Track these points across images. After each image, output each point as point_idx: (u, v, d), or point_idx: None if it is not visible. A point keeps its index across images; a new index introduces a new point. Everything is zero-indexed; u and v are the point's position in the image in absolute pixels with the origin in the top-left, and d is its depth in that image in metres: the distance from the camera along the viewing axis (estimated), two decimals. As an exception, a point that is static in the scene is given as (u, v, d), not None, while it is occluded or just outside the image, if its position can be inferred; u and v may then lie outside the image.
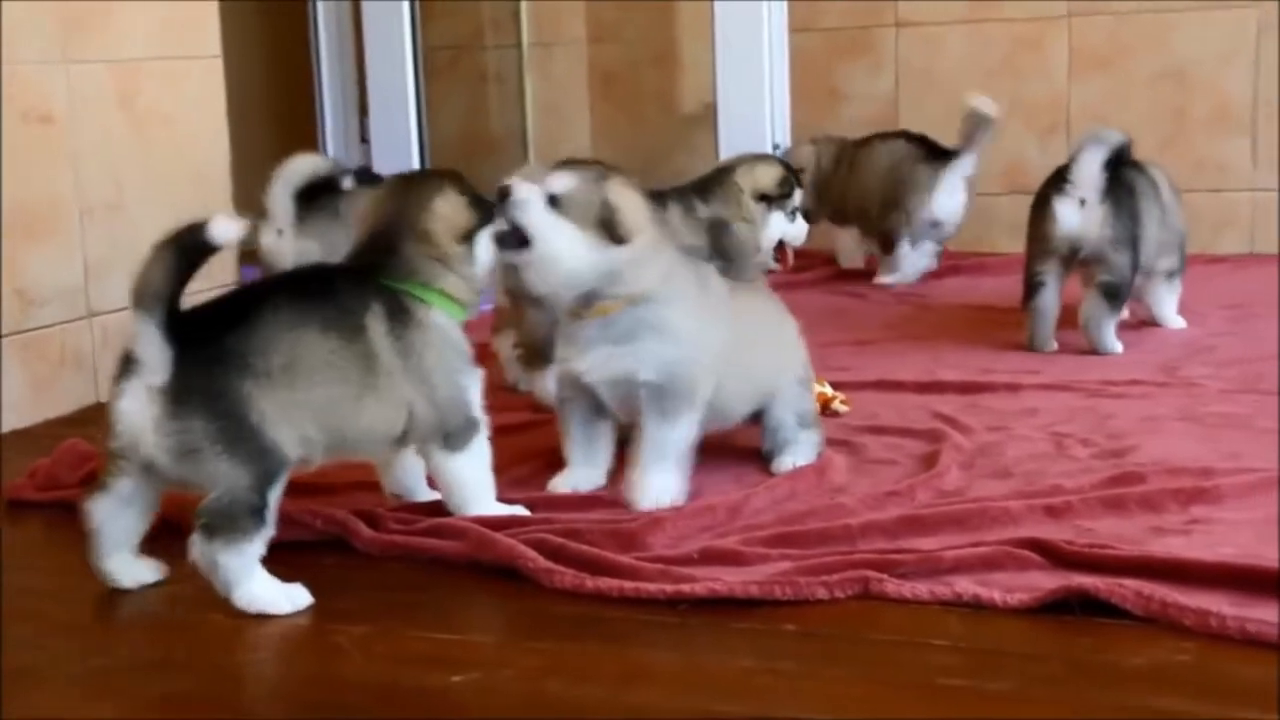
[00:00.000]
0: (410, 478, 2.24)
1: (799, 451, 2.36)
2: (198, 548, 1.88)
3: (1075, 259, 3.10)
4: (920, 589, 1.83)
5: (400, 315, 2.03)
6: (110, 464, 1.93)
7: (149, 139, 3.26)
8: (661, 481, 2.20)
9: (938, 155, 4.00)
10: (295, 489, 2.04)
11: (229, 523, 1.87)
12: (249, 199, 3.54)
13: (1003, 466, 2.32)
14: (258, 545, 1.90)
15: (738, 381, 2.30)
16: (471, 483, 2.14)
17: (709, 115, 4.51)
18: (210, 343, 1.88)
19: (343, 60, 4.93)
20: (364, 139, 4.90)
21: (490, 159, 5.03)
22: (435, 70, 4.89)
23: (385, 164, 4.75)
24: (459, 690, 1.68)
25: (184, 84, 3.37)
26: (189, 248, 1.85)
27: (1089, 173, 3.05)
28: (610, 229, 2.13)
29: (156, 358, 1.84)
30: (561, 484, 2.31)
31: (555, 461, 2.35)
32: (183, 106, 3.37)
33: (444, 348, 2.07)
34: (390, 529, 2.14)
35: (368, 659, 1.78)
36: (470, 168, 4.86)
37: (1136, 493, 2.10)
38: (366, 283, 2.05)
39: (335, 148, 4.97)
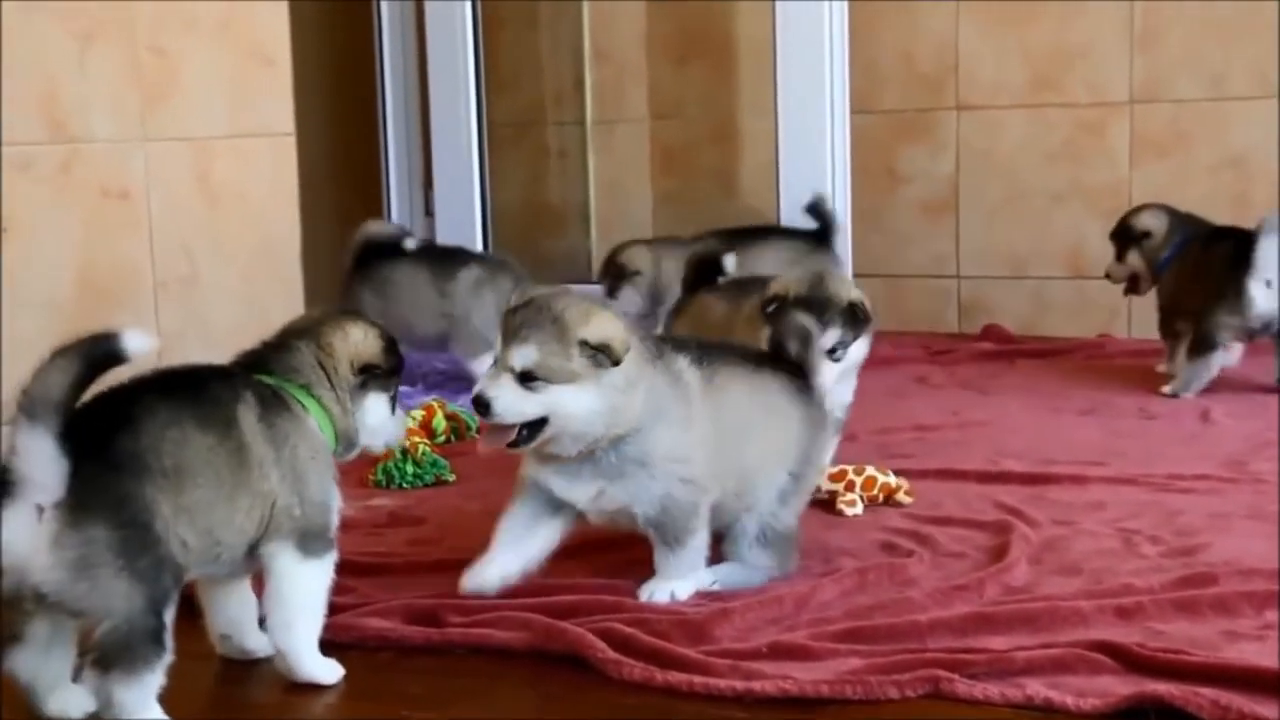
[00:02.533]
0: (245, 615, 2.03)
1: (732, 574, 2.25)
2: (91, 683, 1.72)
3: (1256, 334, 3.51)
4: (991, 690, 1.82)
5: (274, 404, 1.91)
6: (13, 609, 1.75)
7: (222, 214, 3.31)
8: (680, 587, 2.19)
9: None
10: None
11: (127, 653, 1.71)
12: (317, 272, 3.59)
13: (1071, 562, 2.31)
14: (158, 674, 1.74)
15: (729, 475, 2.21)
16: (310, 597, 1.93)
17: (770, 191, 4.54)
18: (103, 447, 1.72)
19: (409, 135, 5.00)
20: (429, 212, 4.95)
21: (552, 233, 5.08)
22: (499, 145, 4.94)
23: (449, 237, 4.82)
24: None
25: (256, 160, 3.43)
26: (98, 358, 1.70)
27: (1272, 255, 3.36)
28: (600, 359, 2.05)
29: (50, 472, 1.67)
30: (471, 581, 2.15)
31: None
32: (255, 182, 3.42)
33: (318, 446, 1.94)
34: (450, 622, 2.14)
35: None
36: (532, 241, 4.95)
37: (1209, 595, 2.09)
38: (239, 376, 1.93)
39: (400, 220, 5.03)
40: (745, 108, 4.98)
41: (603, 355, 2.04)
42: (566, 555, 2.27)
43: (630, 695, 1.91)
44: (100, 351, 1.70)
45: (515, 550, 2.15)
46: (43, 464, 1.67)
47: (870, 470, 2.67)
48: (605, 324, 2.07)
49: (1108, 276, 3.86)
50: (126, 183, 3.08)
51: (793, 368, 2.30)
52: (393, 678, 1.98)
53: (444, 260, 3.96)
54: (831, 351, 2.55)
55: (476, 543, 2.21)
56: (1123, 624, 2.02)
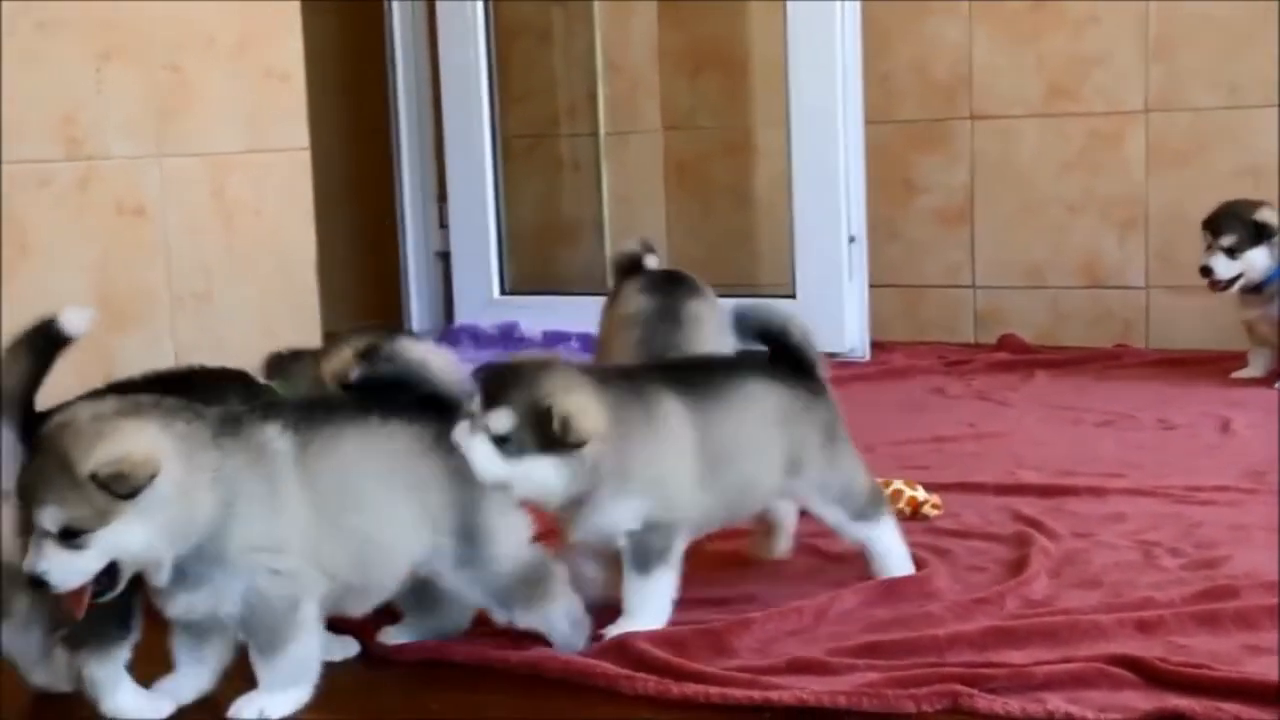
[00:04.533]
0: None
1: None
2: (63, 659, 1.85)
3: None
4: (1011, 705, 1.81)
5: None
6: None
7: (238, 230, 3.32)
8: (274, 704, 1.87)
9: None
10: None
11: (95, 630, 1.81)
12: (331, 286, 3.60)
13: (1091, 575, 2.30)
14: (125, 651, 1.84)
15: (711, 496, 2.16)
16: None
17: (784, 205, 4.53)
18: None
19: (422, 148, 5.00)
20: (443, 224, 4.95)
21: (566, 245, 5.08)
22: (512, 157, 4.95)
23: (463, 250, 4.82)
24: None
25: (272, 176, 3.44)
26: (44, 345, 1.84)
27: None
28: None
29: (9, 460, 1.79)
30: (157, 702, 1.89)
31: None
32: (271, 198, 3.43)
33: None
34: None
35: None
36: (547, 254, 4.95)
37: (1230, 608, 2.07)
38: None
39: (414, 233, 5.03)
40: (758, 119, 4.97)
41: (120, 484, 1.71)
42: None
43: (644, 709, 1.90)
44: (44, 339, 1.84)
45: (198, 663, 1.92)
46: (5, 452, 1.79)
47: (897, 484, 2.66)
48: (113, 446, 1.71)
49: (1207, 273, 3.75)
50: (142, 199, 3.09)
51: (438, 416, 1.98)
52: (408, 688, 1.98)
53: None
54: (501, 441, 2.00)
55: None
56: (1144, 638, 2.01)
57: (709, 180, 5.06)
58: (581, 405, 2.00)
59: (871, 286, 4.32)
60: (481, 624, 2.13)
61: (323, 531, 1.85)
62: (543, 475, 2.01)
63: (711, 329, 2.91)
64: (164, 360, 3.12)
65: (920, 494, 2.66)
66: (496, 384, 2.01)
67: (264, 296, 3.37)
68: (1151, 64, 4.32)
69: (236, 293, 3.29)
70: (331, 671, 1.94)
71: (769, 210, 4.80)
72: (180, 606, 1.81)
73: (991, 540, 2.51)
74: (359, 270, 4.92)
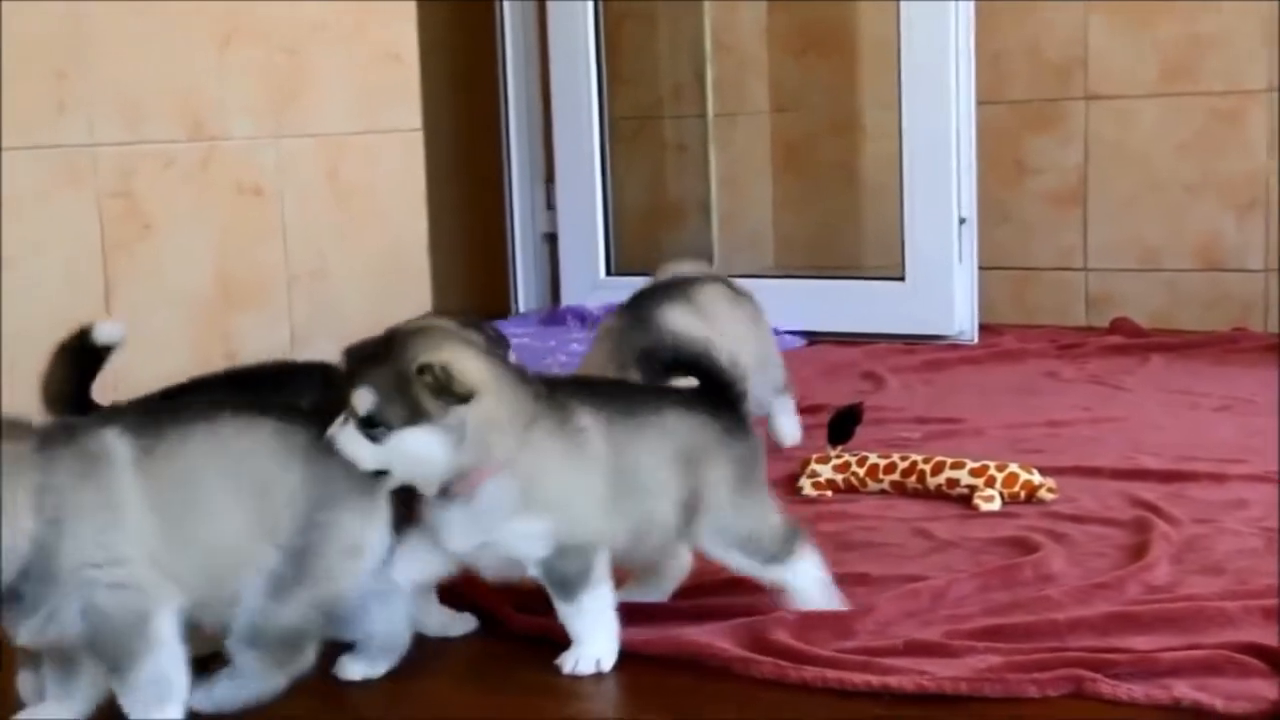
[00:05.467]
0: None
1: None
2: None
3: None
4: (1136, 691, 1.79)
5: None
6: None
7: (351, 210, 3.36)
8: (592, 650, 1.96)
9: None
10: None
11: None
12: (438, 267, 3.63)
13: (1213, 562, 2.26)
14: None
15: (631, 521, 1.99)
16: None
17: (892, 187, 4.50)
18: None
19: (530, 129, 5.03)
20: (550, 206, 4.97)
21: (673, 227, 5.08)
22: (620, 139, 4.95)
23: (570, 231, 4.84)
24: (670, 778, 1.69)
25: (385, 157, 3.47)
26: (78, 352, 1.93)
27: None
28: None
29: None
30: None
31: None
32: (384, 179, 3.46)
33: None
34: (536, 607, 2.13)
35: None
36: (653, 236, 4.95)
37: (1359, 597, 2.03)
38: None
39: (522, 215, 5.06)
40: (868, 100, 4.94)
41: (452, 388, 1.78)
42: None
43: (763, 692, 1.90)
44: (78, 347, 1.93)
45: (63, 701, 1.82)
46: None
47: (1013, 467, 2.64)
48: (464, 359, 1.81)
49: None
50: (260, 179, 3.13)
51: (306, 421, 1.86)
52: (510, 663, 2.01)
53: None
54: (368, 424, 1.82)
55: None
56: (1270, 626, 1.97)
57: (817, 162, 5.03)
58: (459, 360, 1.81)
59: (981, 269, 4.28)
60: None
61: (169, 541, 1.74)
62: (419, 448, 1.81)
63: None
64: (280, 339, 3.17)
65: (1036, 478, 2.63)
66: (356, 362, 1.85)
67: (377, 277, 3.40)
68: (1275, 44, 4.22)
69: (350, 273, 3.33)
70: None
71: (877, 192, 4.77)
72: (25, 633, 1.71)
73: (1110, 525, 2.47)
74: (466, 252, 4.96)
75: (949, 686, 1.83)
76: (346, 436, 1.81)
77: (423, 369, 1.78)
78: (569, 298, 4.82)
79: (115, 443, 1.74)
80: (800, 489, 2.74)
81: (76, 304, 2.79)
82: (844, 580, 2.23)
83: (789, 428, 3.09)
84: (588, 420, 1.94)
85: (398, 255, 3.49)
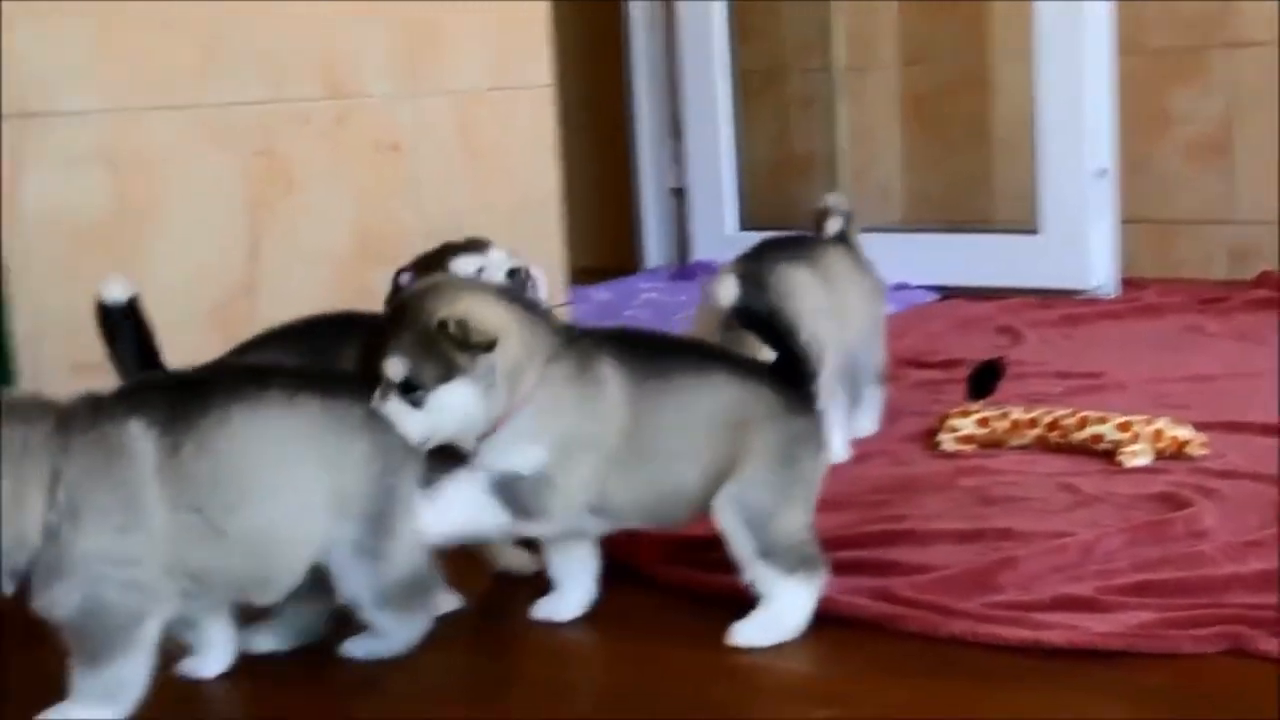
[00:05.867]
0: None
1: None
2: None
3: None
4: (1297, 648, 1.75)
5: None
6: None
7: (484, 167, 3.37)
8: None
9: None
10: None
11: None
12: (569, 224, 3.63)
13: (1371, 519, 2.21)
14: None
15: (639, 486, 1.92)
16: None
17: (1025, 140, 4.42)
18: None
19: (658, 84, 5.02)
20: (677, 162, 4.96)
21: (801, 182, 5.04)
22: (747, 93, 4.92)
23: (699, 186, 4.82)
24: (822, 728, 1.69)
25: (517, 113, 3.47)
26: (111, 322, 1.99)
27: None
28: (471, 345, 1.79)
29: None
30: None
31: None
32: (515, 135, 3.47)
33: None
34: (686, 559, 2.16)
35: (726, 687, 1.81)
36: (781, 191, 4.91)
37: None
38: None
39: (650, 170, 5.05)
40: (999, 52, 4.85)
41: (469, 338, 1.80)
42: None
43: (911, 641, 1.89)
44: (104, 319, 1.99)
45: None
46: None
47: (1160, 423, 2.58)
48: (478, 307, 1.82)
49: None
50: (396, 136, 3.16)
51: (351, 391, 1.83)
52: (657, 611, 2.04)
53: None
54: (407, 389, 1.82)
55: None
56: None
57: (947, 115, 4.96)
58: (474, 309, 1.80)
59: (1122, 222, 4.19)
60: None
61: (200, 541, 1.73)
62: (458, 402, 1.81)
63: (811, 303, 2.60)
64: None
65: (1184, 433, 2.58)
66: (381, 332, 1.84)
67: (509, 232, 3.39)
68: None
69: (484, 229, 3.30)
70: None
71: (1008, 146, 4.68)
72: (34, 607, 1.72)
73: (1261, 481, 2.41)
74: (594, 207, 4.96)
75: (1103, 642, 1.81)
76: (394, 409, 1.81)
77: (443, 324, 1.78)
78: (698, 253, 4.81)
79: (140, 439, 1.71)
80: (939, 444, 2.72)
81: (222, 262, 2.84)
82: (987, 535, 2.21)
83: (867, 419, 2.85)
84: (609, 373, 1.89)
85: (530, 211, 3.50)
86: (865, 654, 1.88)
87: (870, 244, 4.55)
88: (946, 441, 2.71)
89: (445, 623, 1.99)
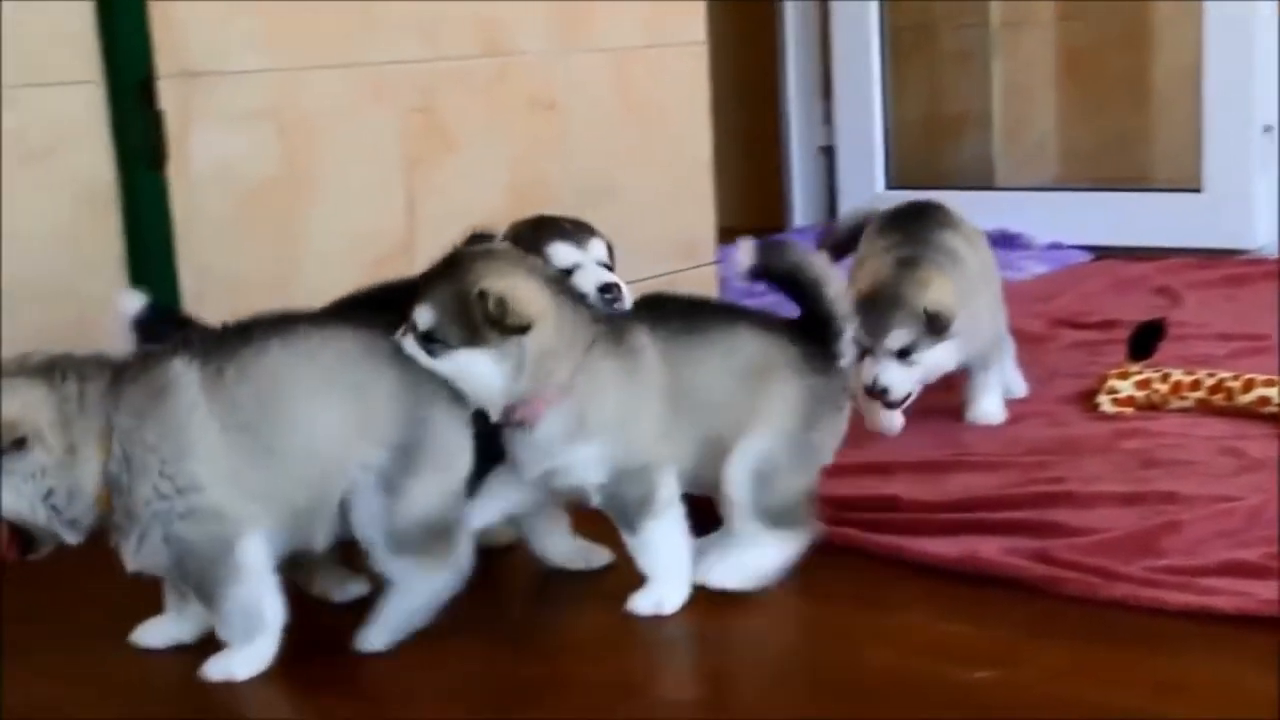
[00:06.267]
0: None
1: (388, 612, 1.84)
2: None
3: None
4: None
5: None
6: None
7: (638, 125, 3.38)
8: (657, 590, 1.93)
9: None
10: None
11: None
12: (717, 182, 3.63)
13: None
14: None
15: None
16: None
17: (1187, 96, 4.30)
18: None
19: (808, 42, 4.98)
20: (826, 121, 4.92)
21: (953, 139, 4.98)
22: (898, 51, 4.86)
23: (848, 144, 4.79)
24: (982, 687, 1.67)
25: (671, 71, 3.47)
26: (150, 328, 1.97)
27: None
28: (504, 325, 1.78)
29: None
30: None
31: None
32: (669, 92, 3.47)
33: None
34: (846, 519, 2.15)
35: (885, 646, 1.80)
36: (931, 149, 4.85)
37: None
38: None
39: (798, 130, 5.02)
40: (1157, 8, 4.74)
41: (507, 317, 1.79)
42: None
43: (1072, 604, 1.87)
44: (139, 329, 1.97)
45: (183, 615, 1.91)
46: None
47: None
48: (520, 288, 1.81)
49: None
50: (553, 94, 3.18)
51: (388, 325, 1.84)
52: (814, 572, 2.02)
53: None
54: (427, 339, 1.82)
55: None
56: None
57: (1104, 72, 4.86)
58: (518, 289, 1.80)
59: (1297, 184, 4.07)
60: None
61: (255, 457, 1.75)
62: (475, 369, 1.81)
63: (972, 267, 2.61)
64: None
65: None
66: (425, 279, 1.84)
67: (662, 191, 3.43)
68: None
69: (637, 187, 3.36)
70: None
71: (1168, 102, 4.58)
72: (131, 563, 1.77)
73: None
74: (742, 166, 4.94)
75: (1272, 609, 1.77)
76: (409, 347, 1.81)
77: (482, 294, 1.77)
78: (846, 210, 4.77)
79: (182, 371, 1.75)
80: (1098, 405, 2.67)
81: (380, 220, 2.89)
82: (1149, 498, 2.18)
83: (993, 404, 2.69)
84: (644, 339, 1.90)
85: (683, 170, 3.50)
86: (1024, 616, 1.87)
87: (1023, 202, 4.52)
88: (1105, 403, 2.67)
89: (597, 577, 2.03)
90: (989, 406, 2.67)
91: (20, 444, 1.68)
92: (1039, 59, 4.93)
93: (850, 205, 4.72)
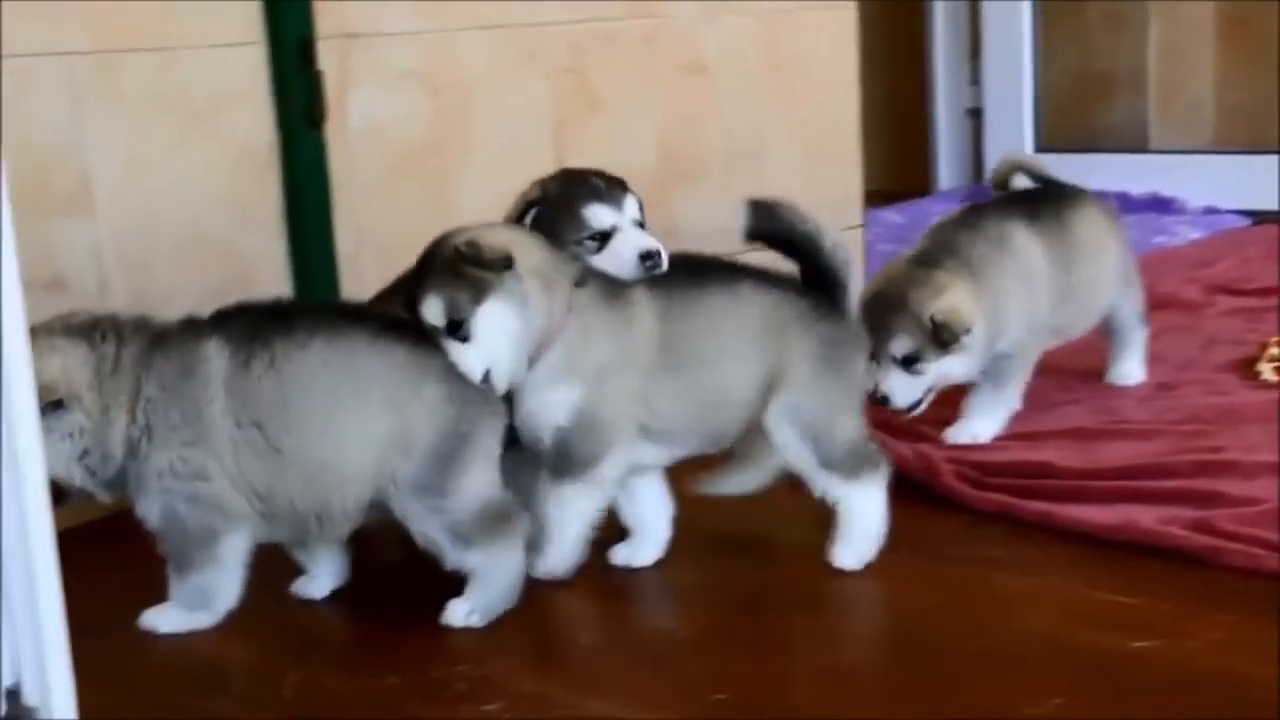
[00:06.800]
0: None
1: (476, 594, 1.86)
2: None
3: None
4: None
5: None
6: None
7: (786, 87, 3.35)
8: (551, 554, 1.94)
9: None
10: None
11: None
12: (867, 147, 3.59)
13: None
14: None
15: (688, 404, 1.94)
16: None
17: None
18: None
19: (955, 3, 4.90)
20: (974, 82, 4.85)
21: (1103, 101, 4.87)
22: (1049, 11, 4.76)
23: (996, 106, 4.71)
24: (1143, 657, 1.65)
25: (819, 33, 3.43)
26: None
27: None
28: (487, 263, 1.82)
29: None
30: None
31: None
32: (817, 54, 3.43)
33: None
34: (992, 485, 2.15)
35: (1040, 613, 1.79)
36: (1082, 110, 4.75)
37: None
38: None
39: (945, 90, 4.95)
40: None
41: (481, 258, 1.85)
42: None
43: (1234, 576, 1.84)
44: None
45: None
46: None
47: None
48: (490, 236, 1.89)
49: None
50: (701, 56, 3.17)
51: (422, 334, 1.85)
52: (978, 536, 2.03)
53: None
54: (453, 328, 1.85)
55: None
56: None
57: (1264, 32, 4.70)
58: (481, 235, 1.86)
59: None
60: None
61: (259, 457, 1.78)
62: (500, 323, 1.82)
63: (1107, 248, 2.53)
64: (717, 212, 3.21)
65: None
66: (408, 294, 1.87)
67: (810, 154, 3.40)
68: None
69: (784, 149, 3.34)
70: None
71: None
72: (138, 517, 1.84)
73: None
74: (887, 129, 4.89)
75: None
76: (453, 350, 1.83)
77: (457, 251, 1.81)
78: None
79: (213, 355, 1.78)
80: (1259, 373, 2.62)
81: (530, 176, 2.86)
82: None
83: (1135, 365, 2.67)
84: (640, 295, 1.91)
85: (830, 133, 3.47)
86: (1183, 586, 1.84)
87: (1178, 166, 4.41)
88: (1266, 371, 2.61)
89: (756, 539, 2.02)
90: (1131, 368, 2.63)
91: (57, 405, 1.73)
92: (1197, 18, 4.79)
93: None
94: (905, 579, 1.93)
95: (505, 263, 1.82)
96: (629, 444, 1.92)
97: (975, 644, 1.73)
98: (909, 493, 2.14)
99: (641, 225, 2.05)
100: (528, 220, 2.03)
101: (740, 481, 2.08)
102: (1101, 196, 2.71)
